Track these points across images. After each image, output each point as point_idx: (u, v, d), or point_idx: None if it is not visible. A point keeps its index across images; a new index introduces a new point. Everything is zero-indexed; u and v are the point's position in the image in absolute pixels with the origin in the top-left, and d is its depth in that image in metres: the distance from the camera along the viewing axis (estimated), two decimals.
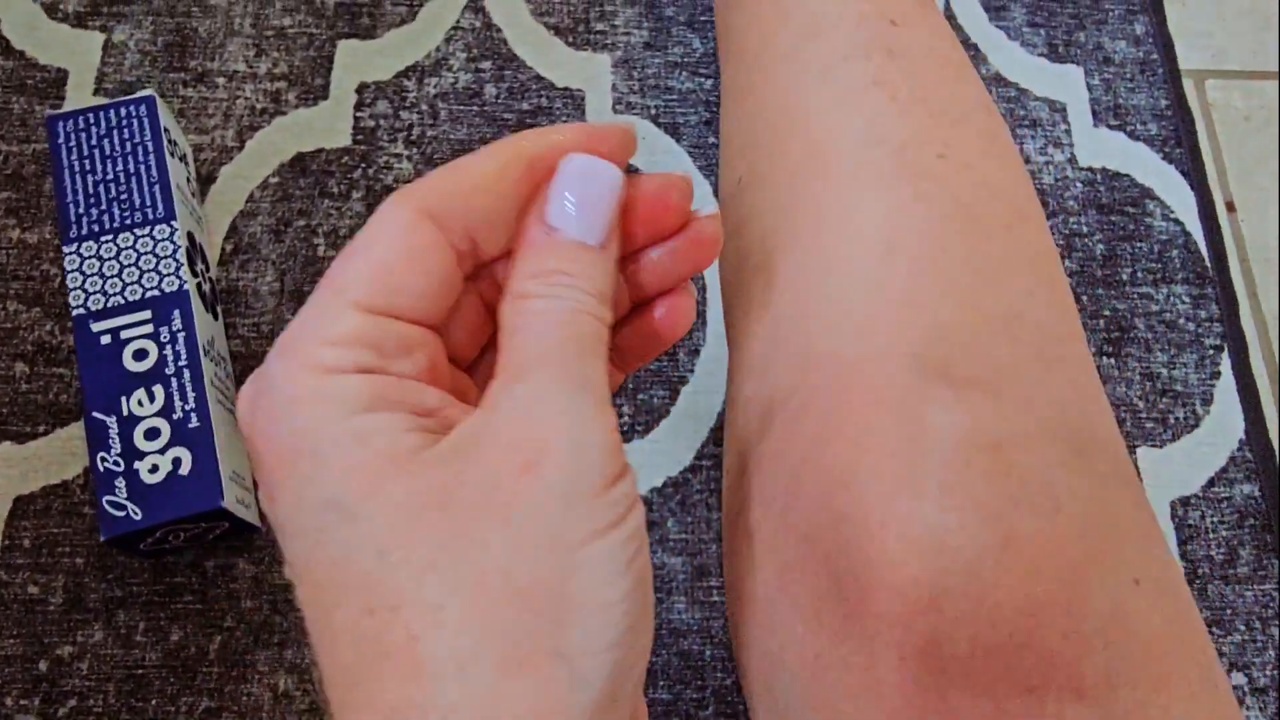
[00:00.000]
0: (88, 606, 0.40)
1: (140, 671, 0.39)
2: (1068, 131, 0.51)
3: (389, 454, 0.17)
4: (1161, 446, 0.46)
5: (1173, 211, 0.50)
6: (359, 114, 0.49)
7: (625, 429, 0.44)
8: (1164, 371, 0.47)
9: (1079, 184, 0.50)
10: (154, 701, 0.39)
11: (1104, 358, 0.47)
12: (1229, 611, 0.43)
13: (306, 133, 0.48)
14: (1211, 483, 0.45)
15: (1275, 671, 0.42)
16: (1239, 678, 0.42)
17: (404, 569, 0.16)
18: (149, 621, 0.40)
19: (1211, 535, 0.44)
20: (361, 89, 0.49)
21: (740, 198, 0.31)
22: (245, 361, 0.44)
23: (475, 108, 0.49)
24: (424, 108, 0.49)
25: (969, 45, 0.52)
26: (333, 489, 0.17)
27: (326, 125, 0.48)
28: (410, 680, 0.16)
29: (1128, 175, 0.51)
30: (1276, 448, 0.46)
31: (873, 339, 0.24)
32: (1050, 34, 0.53)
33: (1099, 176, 0.50)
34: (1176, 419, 0.46)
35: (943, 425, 0.22)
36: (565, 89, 0.50)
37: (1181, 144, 0.51)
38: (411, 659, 0.16)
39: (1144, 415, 0.46)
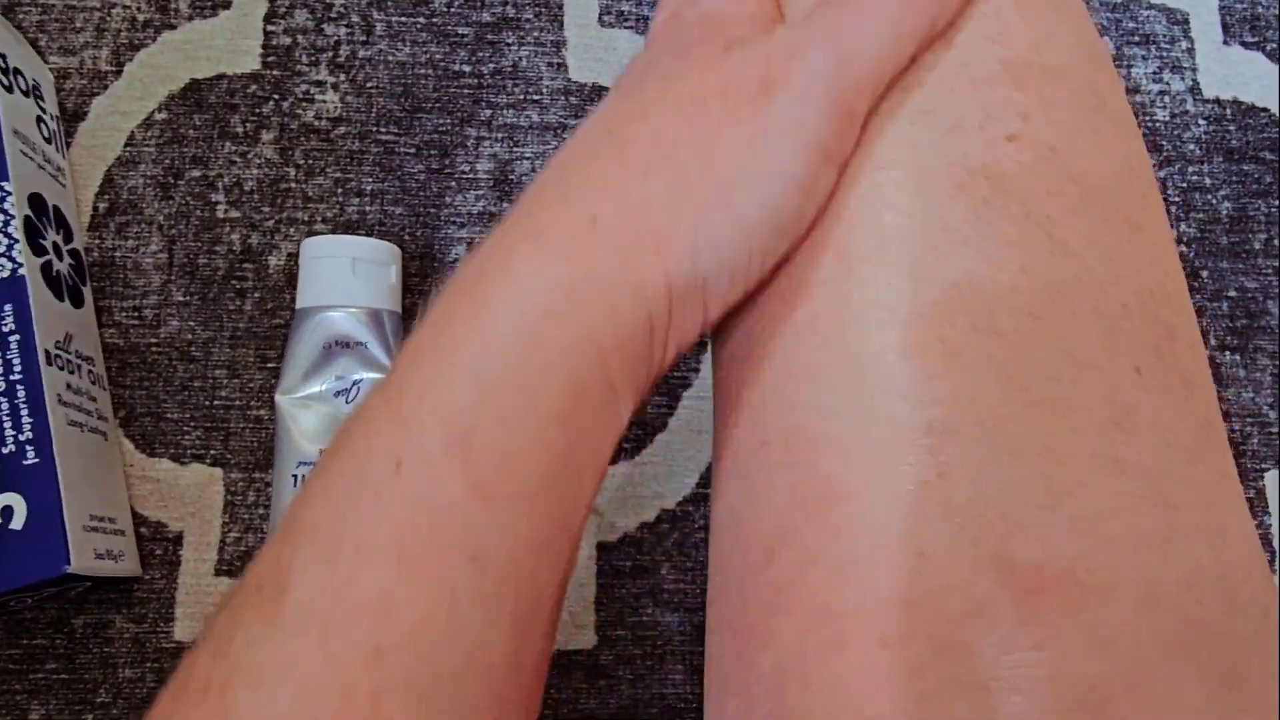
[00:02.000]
0: None
1: None
2: (1189, 51, 0.39)
3: None
4: None
5: None
6: (270, 27, 0.38)
7: None
8: None
9: (1201, 121, 0.39)
10: None
11: (1227, 352, 0.37)
12: None
13: (203, 53, 0.37)
14: None
15: None
16: None
17: None
18: (3, 695, 0.32)
19: None
20: None
21: None
22: (124, 357, 0.34)
23: (421, 19, 0.38)
24: (354, 19, 0.38)
25: None
26: None
27: (228, 44, 0.37)
28: None
29: (1265, 110, 0.39)
30: None
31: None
32: None
33: (1228, 111, 0.39)
34: None
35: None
36: None
37: None
38: None
39: (1275, 429, 0.36)
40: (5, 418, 0.29)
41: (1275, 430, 0.36)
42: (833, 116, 0.17)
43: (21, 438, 0.29)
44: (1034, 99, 0.19)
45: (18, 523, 0.28)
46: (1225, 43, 0.40)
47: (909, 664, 0.15)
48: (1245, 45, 0.40)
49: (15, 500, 0.28)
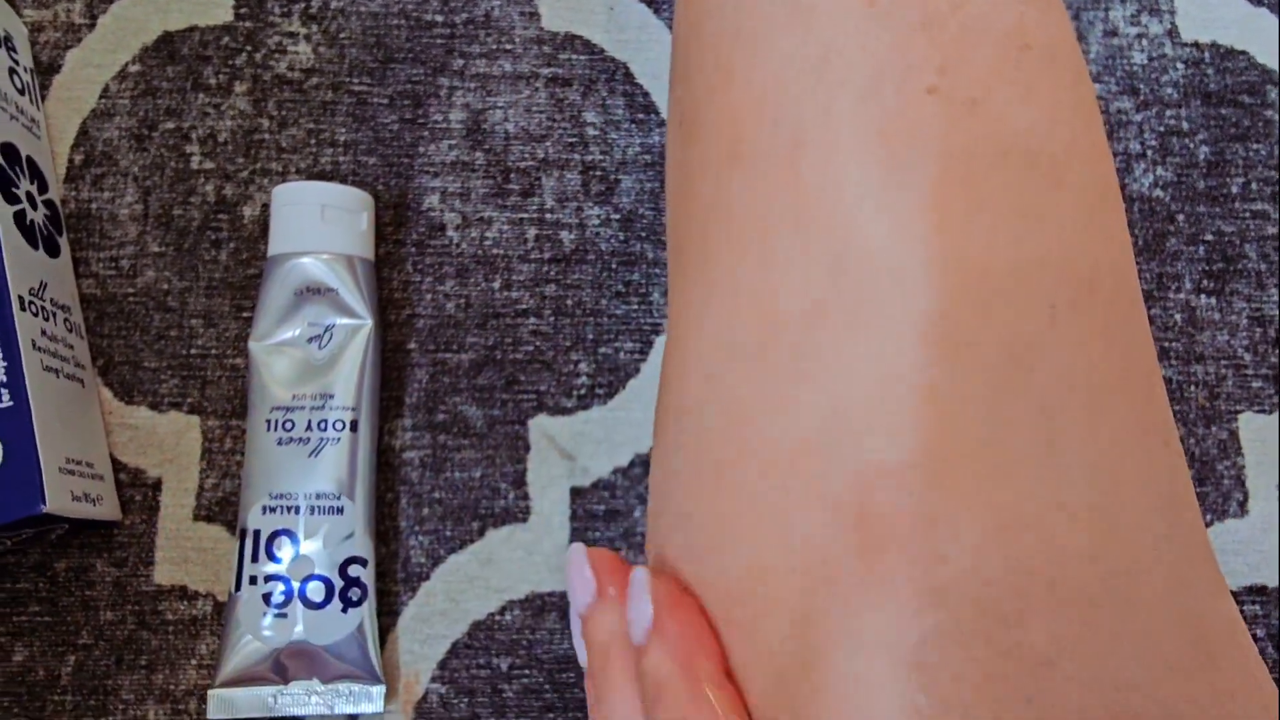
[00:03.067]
0: None
1: None
2: None
3: None
4: (1271, 412, 0.36)
5: None
6: None
7: (583, 393, 0.35)
8: (1278, 313, 0.36)
9: (1180, 65, 0.39)
10: None
11: (1202, 295, 0.36)
12: None
13: (175, 5, 0.37)
14: None
15: None
16: None
17: None
18: None
19: None
20: None
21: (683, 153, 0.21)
22: (101, 307, 0.35)
23: None
24: None
25: None
26: None
27: None
28: None
29: (1244, 53, 0.39)
30: None
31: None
32: None
33: (1206, 55, 0.39)
34: None
35: None
36: None
37: None
38: None
39: (1250, 371, 0.36)
40: None
41: (1250, 373, 0.36)
42: None
43: None
44: (954, 49, 0.18)
45: None
46: None
47: None
48: None
49: None
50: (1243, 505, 0.35)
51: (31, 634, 0.32)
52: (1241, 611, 0.34)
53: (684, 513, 0.18)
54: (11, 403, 0.29)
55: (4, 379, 0.29)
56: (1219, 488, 0.35)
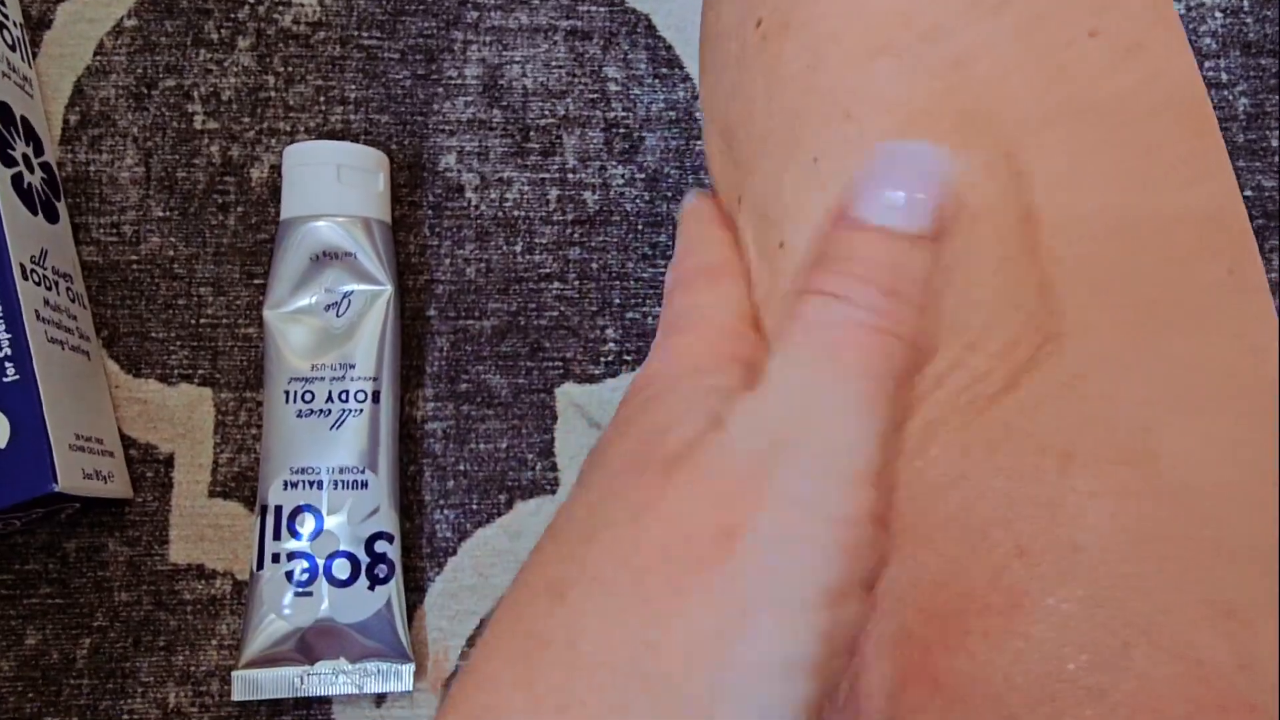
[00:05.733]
0: None
1: None
2: None
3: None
4: None
5: None
6: None
7: (611, 359, 0.34)
8: None
9: (1218, 14, 0.37)
10: None
11: None
12: None
13: None
14: None
15: None
16: None
17: None
18: None
19: None
20: None
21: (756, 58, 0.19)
22: (103, 275, 0.33)
23: None
24: None
25: None
26: None
27: None
28: None
29: None
30: None
31: None
32: None
33: (1245, 3, 0.37)
34: None
35: None
36: None
37: None
38: None
39: None
40: None
41: None
42: (832, 548, 0.13)
43: (2, 354, 0.28)
44: None
45: (0, 441, 0.27)
46: None
47: None
48: None
49: None
50: None
51: (43, 617, 0.31)
52: None
53: None
54: (17, 376, 0.28)
55: (9, 352, 0.28)
56: None
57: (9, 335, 0.28)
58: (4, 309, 0.28)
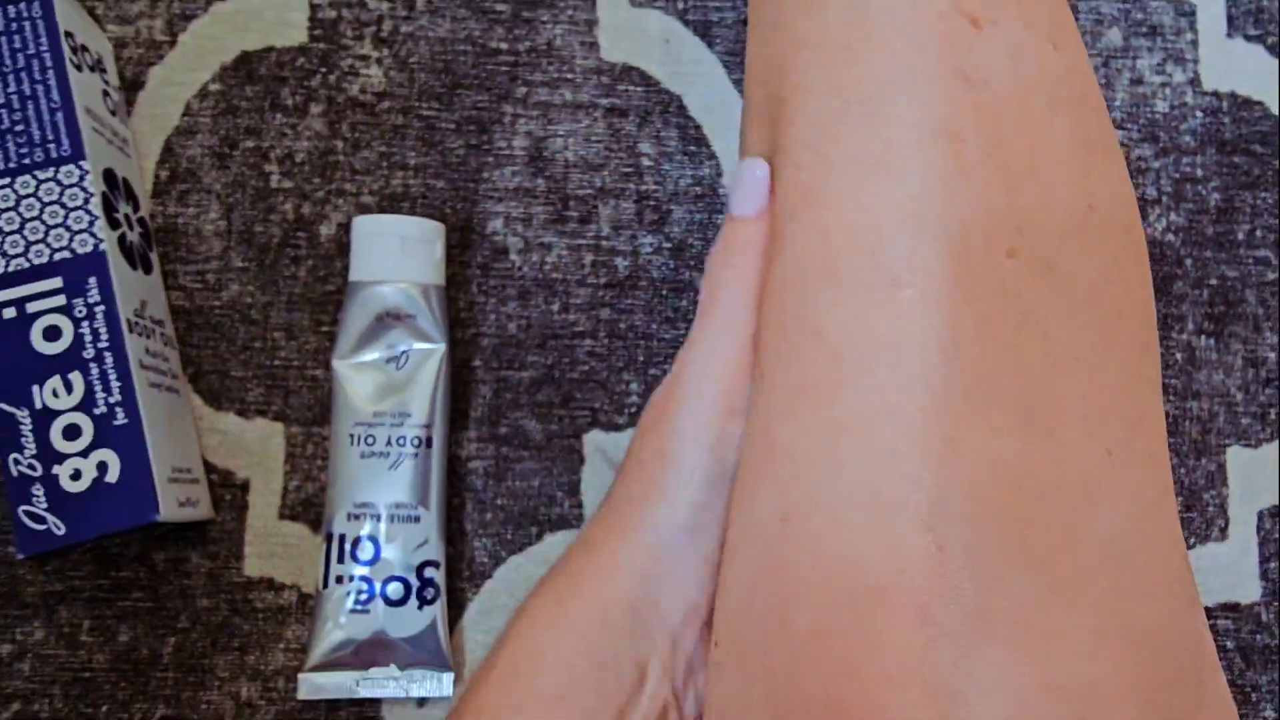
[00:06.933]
0: (24, 601, 0.36)
1: (88, 675, 0.36)
2: (1194, 43, 0.41)
3: None
4: (1257, 446, 0.39)
5: None
6: (316, 0, 0.39)
7: (634, 410, 0.38)
8: (1272, 356, 0.40)
9: (1199, 114, 0.41)
10: (104, 708, 0.35)
11: (1202, 336, 0.40)
12: None
13: (253, 24, 0.39)
14: None
15: None
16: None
17: None
18: (94, 620, 0.36)
19: None
20: None
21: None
22: (189, 318, 0.38)
23: None
24: None
25: None
26: None
27: (276, 16, 0.39)
28: None
29: (1260, 104, 0.41)
30: None
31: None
32: None
33: (1225, 104, 0.41)
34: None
35: None
36: None
37: None
38: None
39: (1241, 409, 0.39)
40: (96, 383, 0.32)
41: (1240, 410, 0.39)
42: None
43: (111, 400, 0.32)
44: (1032, 212, 0.21)
45: (112, 476, 0.32)
46: (1229, 35, 0.41)
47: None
48: (1248, 38, 0.42)
49: (109, 456, 0.32)
50: (1224, 530, 0.39)
51: (135, 617, 0.36)
52: (1215, 625, 0.38)
53: None
54: (126, 420, 0.32)
55: (119, 399, 0.32)
56: (1204, 514, 0.39)
57: (120, 384, 0.32)
58: (115, 361, 0.32)
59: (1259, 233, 0.40)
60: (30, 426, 0.32)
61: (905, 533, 0.19)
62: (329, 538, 0.35)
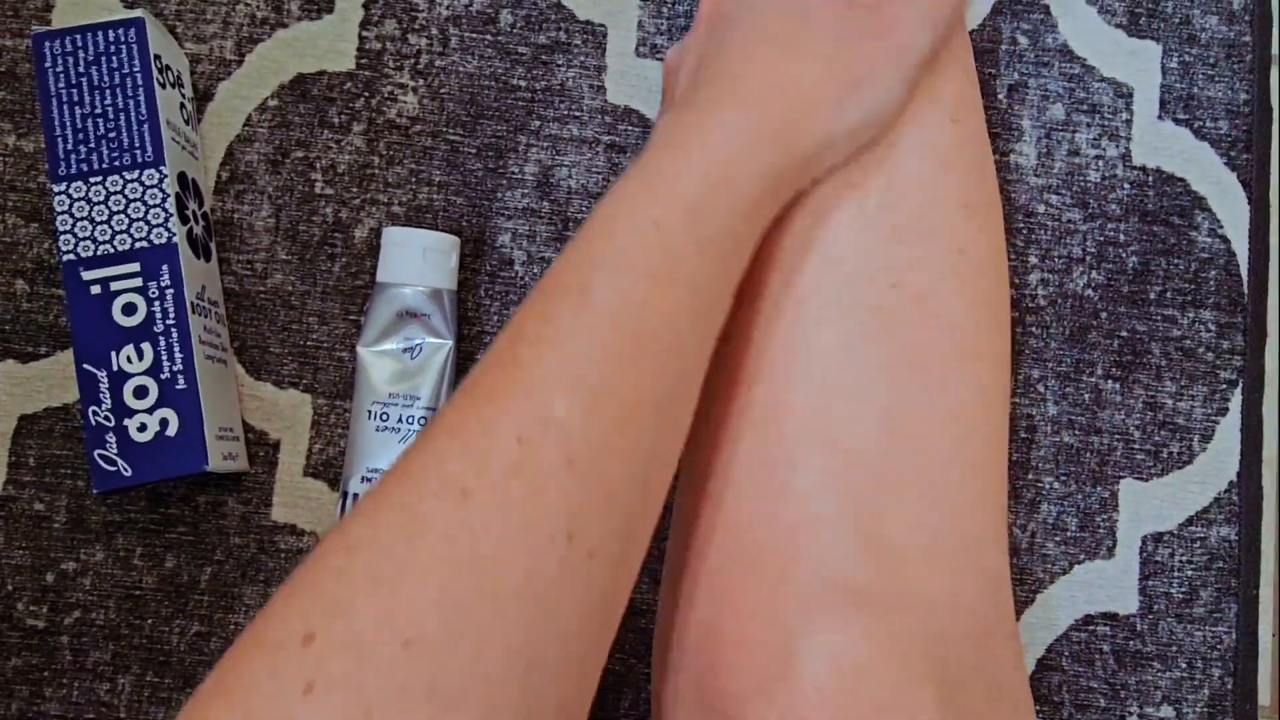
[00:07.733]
0: (89, 528, 0.43)
1: (138, 592, 0.43)
2: (1128, 122, 0.47)
3: None
4: (1146, 480, 0.45)
5: (1221, 227, 0.46)
6: (365, 33, 0.46)
7: None
8: (1169, 402, 0.46)
9: (1126, 185, 0.47)
10: (150, 621, 0.42)
11: (1110, 381, 0.46)
12: (1174, 649, 0.44)
13: (309, 50, 0.46)
14: (1190, 521, 0.45)
15: (1205, 710, 0.44)
16: (1168, 710, 0.44)
17: None
18: (145, 547, 0.43)
19: (1176, 574, 0.45)
20: (369, 3, 0.46)
21: None
22: (238, 300, 0.44)
23: (489, 36, 0.46)
24: (434, 31, 0.46)
25: (1039, 5, 0.47)
26: None
27: (330, 44, 0.46)
28: None
29: (1182, 180, 0.47)
30: (1270, 493, 0.45)
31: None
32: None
33: (1150, 178, 0.47)
34: (1170, 453, 0.45)
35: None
36: (586, 22, 0.46)
37: (1251, 148, 0.47)
38: None
39: (1137, 446, 0.45)
40: (163, 353, 0.39)
41: (1136, 448, 0.45)
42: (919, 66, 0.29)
43: (175, 368, 0.39)
44: (914, 257, 0.27)
45: (172, 431, 0.38)
46: (1160, 117, 0.47)
47: None
48: (1177, 121, 0.47)
49: (171, 415, 0.39)
50: (1111, 550, 0.45)
51: (179, 548, 0.43)
52: (1095, 631, 0.44)
53: None
54: (185, 386, 0.39)
55: (181, 368, 0.39)
56: (1095, 534, 0.45)
57: (182, 355, 0.39)
58: (179, 336, 0.39)
59: (1169, 294, 0.46)
60: (107, 385, 0.38)
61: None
62: (345, 495, 0.41)
